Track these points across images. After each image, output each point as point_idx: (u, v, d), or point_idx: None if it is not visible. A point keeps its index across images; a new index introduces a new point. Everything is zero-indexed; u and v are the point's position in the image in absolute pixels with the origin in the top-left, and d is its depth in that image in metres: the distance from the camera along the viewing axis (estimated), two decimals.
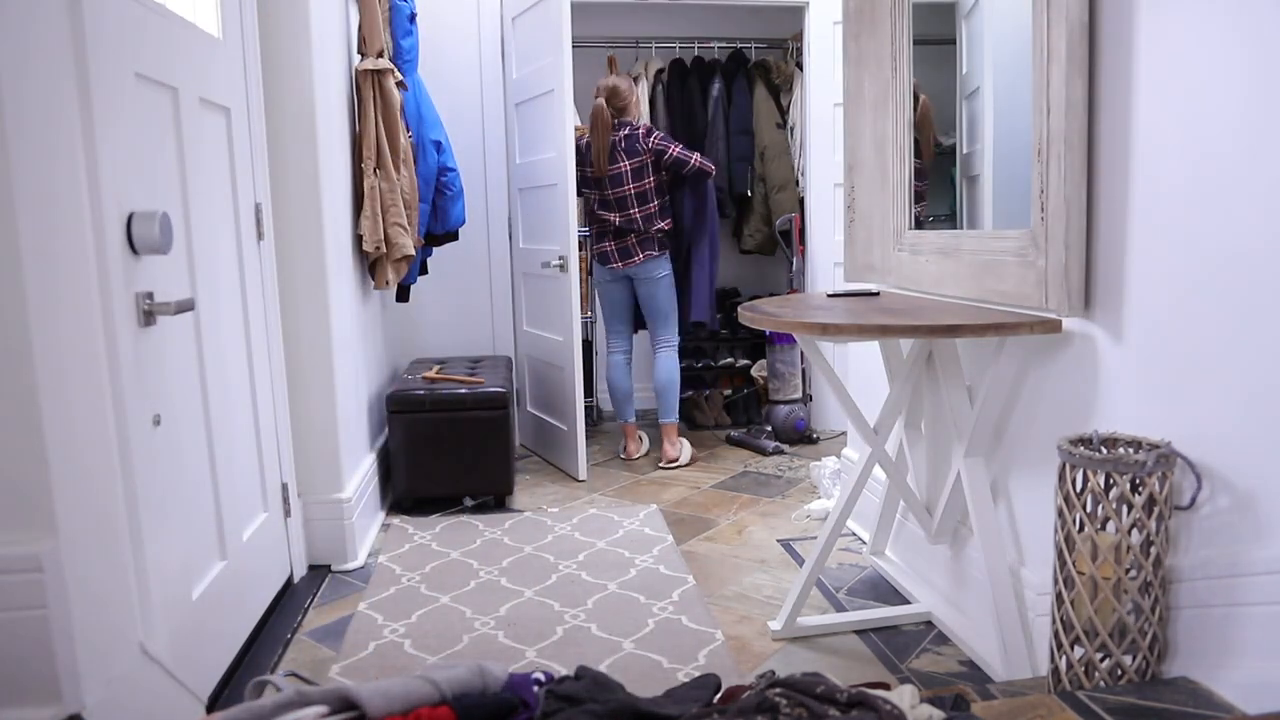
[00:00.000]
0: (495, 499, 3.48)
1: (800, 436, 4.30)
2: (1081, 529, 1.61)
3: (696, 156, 3.87)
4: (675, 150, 3.83)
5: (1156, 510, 1.56)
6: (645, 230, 3.85)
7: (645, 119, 4.32)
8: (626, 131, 3.81)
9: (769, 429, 4.34)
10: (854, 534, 3.01)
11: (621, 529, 3.12)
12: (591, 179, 3.88)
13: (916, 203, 2.48)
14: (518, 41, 4.05)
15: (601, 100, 3.82)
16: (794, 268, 4.47)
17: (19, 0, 1.35)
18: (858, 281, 2.68)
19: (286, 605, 2.53)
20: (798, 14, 4.30)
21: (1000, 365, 1.96)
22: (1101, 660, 1.62)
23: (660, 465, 3.99)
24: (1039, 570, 1.98)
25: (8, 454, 1.36)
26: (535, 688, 1.38)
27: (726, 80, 4.65)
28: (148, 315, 1.70)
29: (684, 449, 4.05)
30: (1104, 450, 1.66)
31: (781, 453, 4.15)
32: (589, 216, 4.01)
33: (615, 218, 3.86)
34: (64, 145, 1.46)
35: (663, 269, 3.94)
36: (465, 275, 4.28)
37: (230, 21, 2.32)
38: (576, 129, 3.85)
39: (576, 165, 3.80)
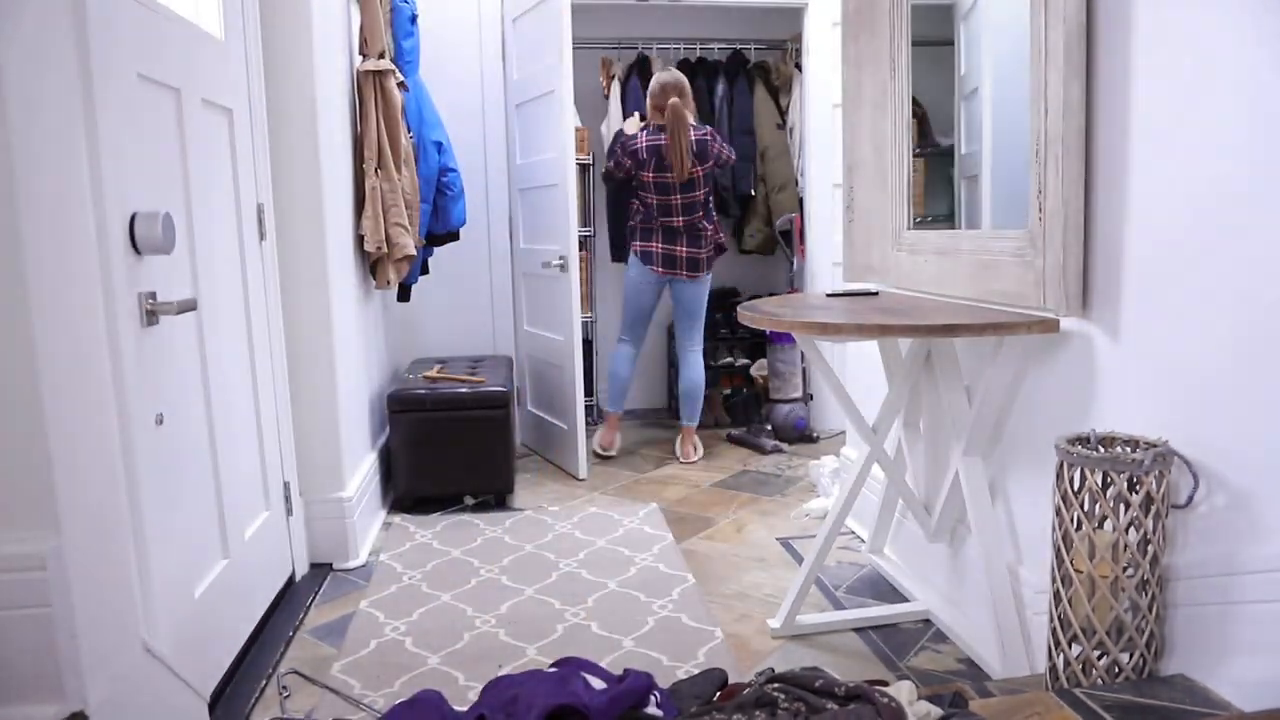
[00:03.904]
0: (496, 498, 3.49)
1: (800, 435, 4.31)
2: (1079, 527, 1.62)
3: (729, 150, 3.94)
4: (726, 152, 3.88)
5: (1154, 509, 1.57)
6: (708, 243, 3.90)
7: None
8: (697, 135, 3.79)
9: (769, 428, 4.35)
10: (853, 532, 3.01)
11: (621, 527, 3.13)
12: (658, 183, 3.80)
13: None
14: (518, 43, 4.05)
15: (676, 100, 3.74)
16: (794, 268, 4.48)
17: (22, 1, 1.36)
18: (857, 281, 2.69)
19: (288, 603, 2.54)
20: (797, 15, 4.31)
21: (998, 365, 1.97)
22: (1099, 658, 1.63)
23: (681, 460, 4.06)
24: (1037, 569, 1.99)
25: (11, 453, 1.37)
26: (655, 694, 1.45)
27: (728, 81, 4.66)
28: (150, 315, 1.71)
29: (699, 449, 4.15)
30: (1101, 449, 1.67)
31: (780, 451, 4.16)
32: (643, 215, 3.93)
33: (680, 222, 3.83)
34: (67, 146, 1.47)
35: (708, 280, 3.99)
36: (466, 275, 4.29)
37: (232, 23, 2.33)
38: (578, 130, 3.85)
39: (633, 166, 3.81)
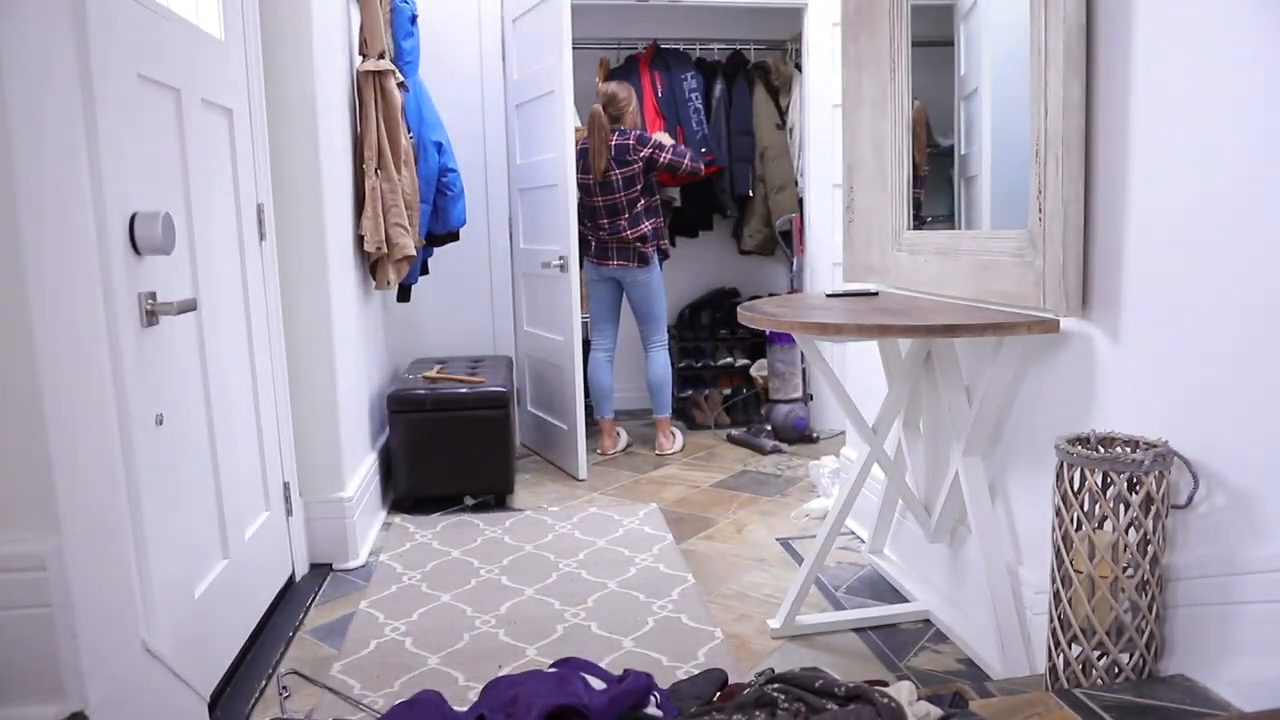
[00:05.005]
0: (496, 498, 3.49)
1: (800, 436, 4.31)
2: (1079, 528, 1.62)
3: (688, 159, 3.93)
4: (666, 157, 3.88)
5: (1153, 509, 1.57)
6: (627, 239, 3.93)
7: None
8: (617, 140, 3.85)
9: (769, 428, 4.35)
10: (853, 533, 3.02)
11: (621, 528, 3.13)
12: (581, 184, 3.93)
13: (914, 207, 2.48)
14: (518, 43, 4.05)
15: (598, 106, 3.88)
16: (794, 268, 4.48)
17: (22, 2, 1.36)
18: (856, 281, 2.69)
19: (288, 603, 2.54)
20: (797, 15, 4.31)
21: (998, 365, 1.97)
22: (1099, 658, 1.63)
23: (657, 454, 4.18)
24: (1037, 569, 1.99)
25: (12, 453, 1.37)
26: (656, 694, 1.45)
27: (727, 81, 4.66)
28: (150, 315, 1.71)
29: (676, 439, 4.27)
30: (1101, 449, 1.67)
31: (780, 451, 4.17)
32: (581, 217, 4.05)
33: (604, 222, 3.93)
34: (67, 146, 1.47)
35: (650, 273, 4.02)
36: (466, 275, 4.29)
37: (232, 23, 2.33)
38: (577, 131, 3.86)
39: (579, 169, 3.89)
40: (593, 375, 4.12)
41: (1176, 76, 1.59)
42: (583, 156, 3.92)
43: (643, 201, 3.91)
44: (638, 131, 3.91)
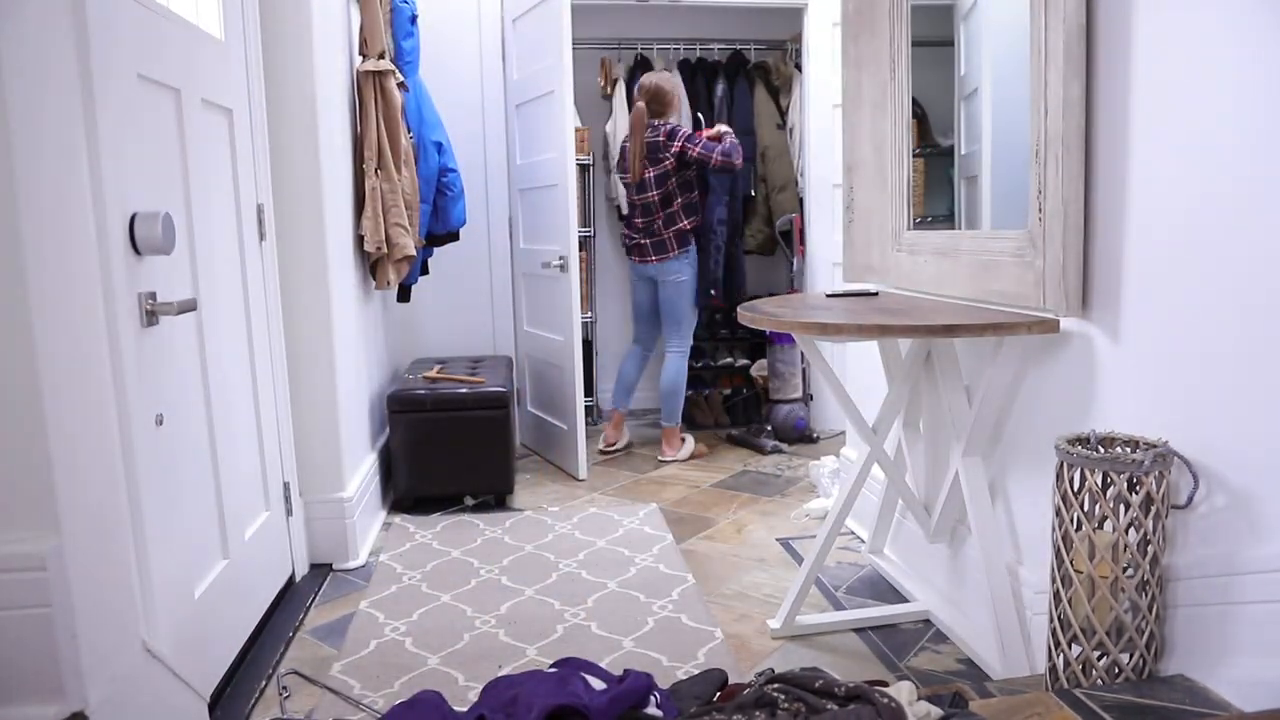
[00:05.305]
0: (496, 498, 3.49)
1: (800, 436, 4.31)
2: (1079, 528, 1.62)
3: (718, 153, 3.81)
4: (695, 151, 3.82)
5: (1154, 509, 1.57)
6: (661, 233, 3.93)
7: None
8: (648, 137, 3.85)
9: (769, 428, 4.35)
10: (853, 533, 3.02)
11: (621, 528, 3.13)
12: (627, 184, 4.00)
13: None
14: (518, 43, 4.06)
15: (642, 104, 3.87)
16: (794, 268, 4.48)
17: (22, 2, 1.36)
18: (856, 281, 2.69)
19: (288, 603, 2.54)
20: (796, 15, 4.31)
21: (998, 365, 1.97)
22: (1099, 658, 1.63)
23: (658, 458, 4.13)
24: (1037, 569, 1.99)
25: (12, 453, 1.37)
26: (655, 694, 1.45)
27: (728, 81, 4.66)
28: (150, 315, 1.71)
29: (687, 444, 4.15)
30: (1101, 449, 1.67)
31: (780, 451, 4.16)
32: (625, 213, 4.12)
33: (639, 220, 3.97)
34: (67, 146, 1.47)
35: (682, 273, 3.98)
36: (466, 275, 4.29)
37: (233, 23, 2.33)
38: (577, 130, 3.87)
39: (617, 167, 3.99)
40: (623, 366, 4.16)
41: (1176, 76, 1.59)
42: (622, 156, 3.97)
43: (679, 199, 3.90)
44: (668, 126, 3.85)
